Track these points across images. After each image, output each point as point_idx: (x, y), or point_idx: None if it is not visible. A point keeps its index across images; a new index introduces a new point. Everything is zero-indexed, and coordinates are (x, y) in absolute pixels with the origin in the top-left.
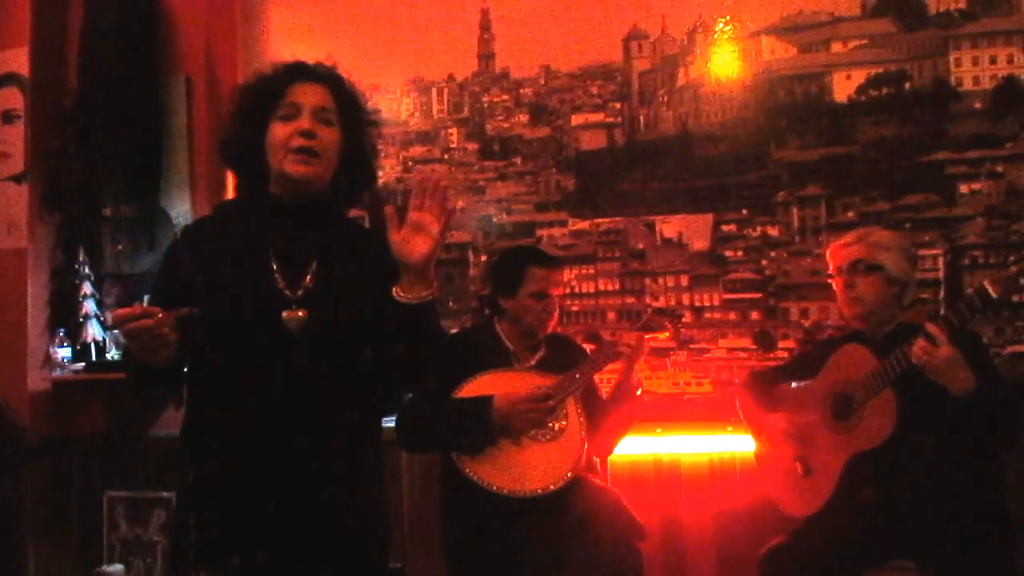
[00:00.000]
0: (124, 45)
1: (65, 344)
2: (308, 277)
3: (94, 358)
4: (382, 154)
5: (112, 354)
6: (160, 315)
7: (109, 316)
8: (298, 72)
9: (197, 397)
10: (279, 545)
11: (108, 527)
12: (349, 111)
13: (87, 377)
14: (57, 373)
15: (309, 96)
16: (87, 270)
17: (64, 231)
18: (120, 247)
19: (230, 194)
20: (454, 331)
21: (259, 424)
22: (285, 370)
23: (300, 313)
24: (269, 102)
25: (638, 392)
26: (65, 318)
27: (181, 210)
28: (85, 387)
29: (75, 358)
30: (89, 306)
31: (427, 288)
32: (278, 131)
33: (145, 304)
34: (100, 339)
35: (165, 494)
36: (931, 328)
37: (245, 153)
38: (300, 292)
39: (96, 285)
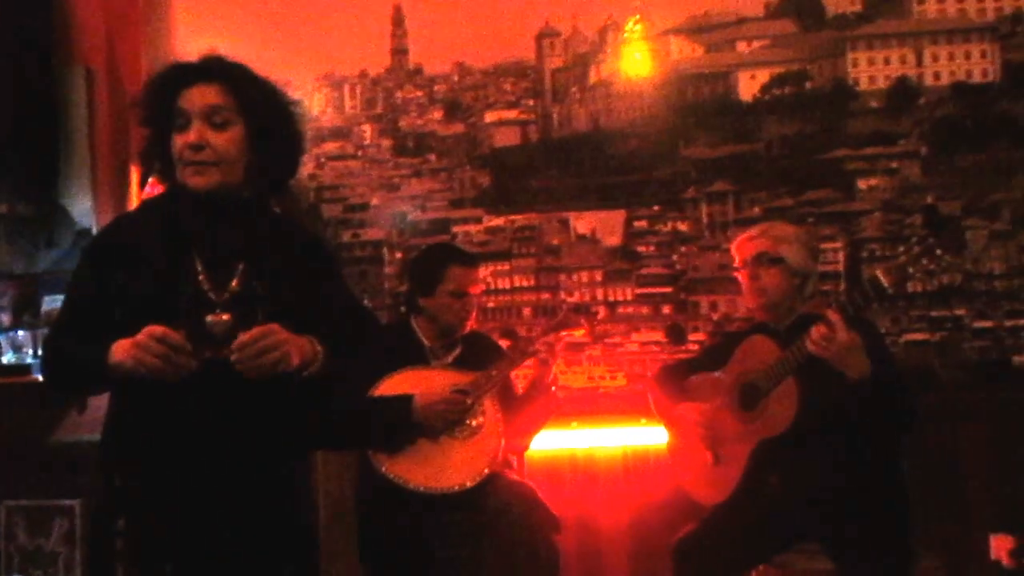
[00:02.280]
0: (17, 34)
1: None
2: (235, 279)
3: None
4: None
5: (7, 357)
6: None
7: (5, 317)
8: (184, 75)
9: (122, 400)
10: (212, 552)
11: (5, 538)
12: (251, 102)
13: None
14: None
15: (197, 100)
16: None
17: None
18: (16, 245)
19: (135, 190)
20: None
21: (188, 430)
22: (211, 376)
23: (224, 317)
24: (164, 113)
25: (553, 388)
26: None
27: (82, 207)
28: None
29: None
30: None
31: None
32: (175, 143)
33: (59, 306)
34: None
35: (67, 502)
36: (830, 314)
37: (159, 162)
38: (226, 295)
39: None
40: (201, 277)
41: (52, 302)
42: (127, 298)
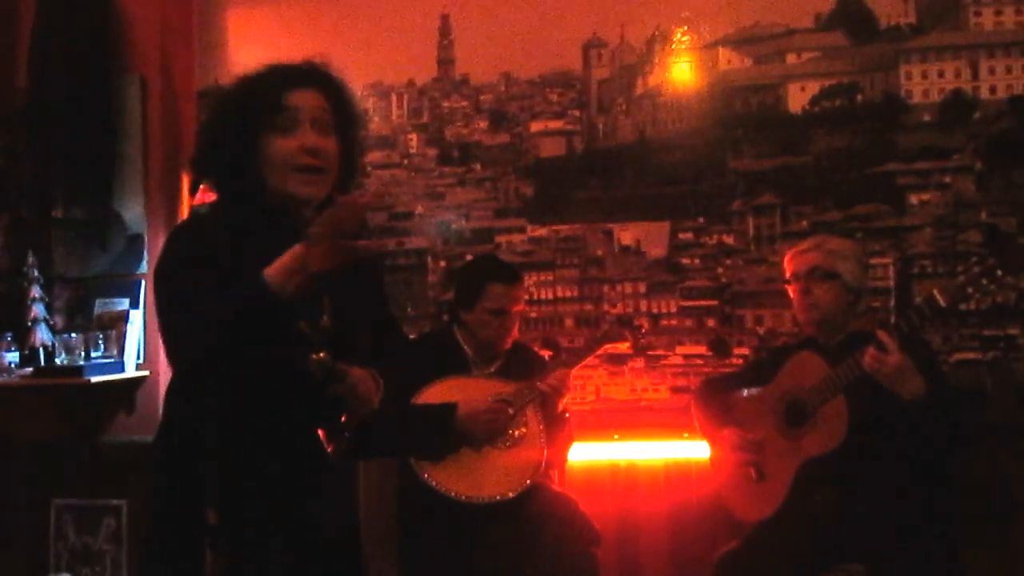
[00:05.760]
0: (76, 45)
1: (12, 348)
2: (325, 314)
3: (42, 363)
4: None
5: (61, 359)
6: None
7: (59, 320)
8: (294, 77)
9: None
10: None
11: (55, 536)
12: (345, 114)
13: (35, 382)
14: (3, 378)
15: (309, 103)
16: (36, 273)
17: (12, 233)
18: (71, 250)
19: (185, 197)
20: (412, 336)
21: (287, 459)
22: (310, 411)
23: (323, 355)
24: (262, 111)
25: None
26: (13, 322)
27: (134, 213)
28: (33, 392)
29: (22, 363)
30: (38, 310)
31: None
32: (278, 145)
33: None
34: (49, 344)
35: (115, 502)
36: (882, 336)
37: (232, 167)
38: (321, 331)
39: (45, 288)
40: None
41: (104, 305)
42: None
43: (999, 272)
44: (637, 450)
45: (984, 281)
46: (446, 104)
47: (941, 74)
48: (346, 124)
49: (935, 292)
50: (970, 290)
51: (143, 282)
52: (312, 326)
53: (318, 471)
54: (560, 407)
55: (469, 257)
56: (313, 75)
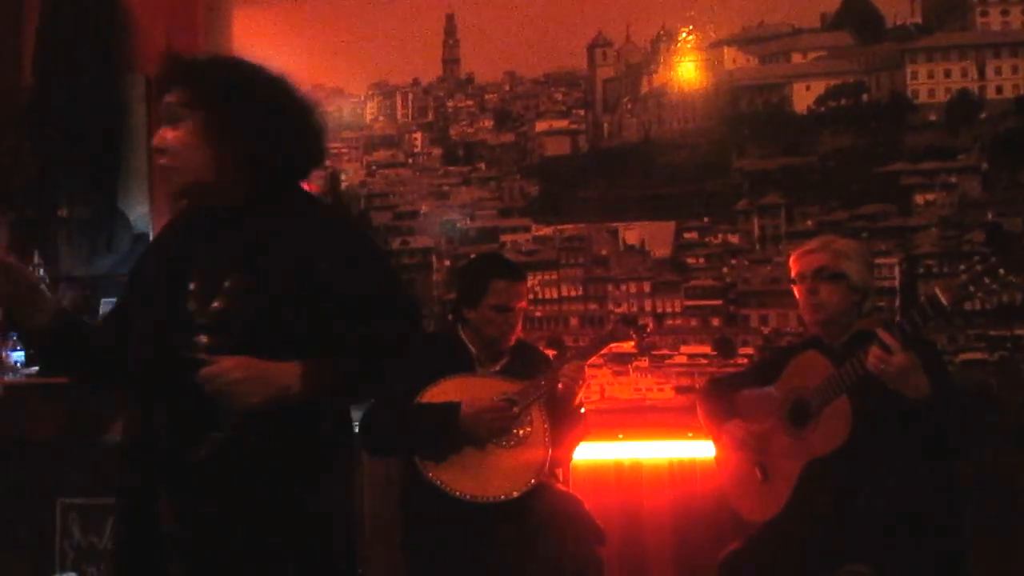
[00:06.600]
0: (81, 44)
1: (18, 348)
2: (218, 296)
3: None
4: (344, 157)
5: None
6: None
7: None
8: (159, 86)
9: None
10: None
11: (61, 535)
12: (203, 92)
13: (41, 381)
14: (9, 377)
15: (163, 104)
16: (41, 272)
17: (17, 231)
18: (76, 249)
19: None
20: None
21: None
22: (200, 397)
23: (202, 338)
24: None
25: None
26: None
27: (140, 212)
28: (39, 392)
29: (28, 362)
30: None
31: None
32: None
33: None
34: None
35: None
36: (885, 336)
37: None
38: (205, 316)
39: (50, 287)
40: (190, 295)
41: (109, 305)
42: (129, 316)
43: (1001, 270)
44: (642, 449)
45: (987, 279)
46: (451, 103)
47: (947, 74)
48: (217, 100)
49: (937, 291)
50: (972, 288)
51: None
52: (201, 309)
53: (216, 455)
54: (577, 400)
55: (473, 256)
56: (167, 77)
